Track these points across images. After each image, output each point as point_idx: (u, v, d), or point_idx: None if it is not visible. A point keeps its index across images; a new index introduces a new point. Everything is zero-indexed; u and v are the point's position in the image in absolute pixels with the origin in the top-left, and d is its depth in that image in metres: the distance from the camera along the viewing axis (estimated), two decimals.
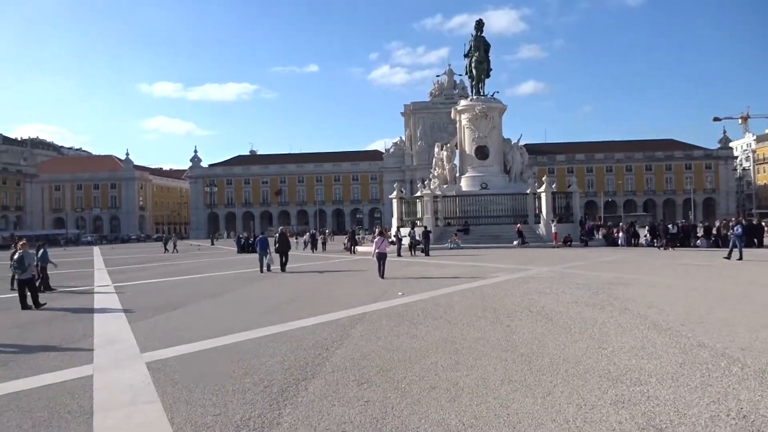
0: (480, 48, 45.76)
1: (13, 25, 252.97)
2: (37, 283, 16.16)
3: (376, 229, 30.57)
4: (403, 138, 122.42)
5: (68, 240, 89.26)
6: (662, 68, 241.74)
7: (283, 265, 24.42)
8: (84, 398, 6.41)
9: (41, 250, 18.55)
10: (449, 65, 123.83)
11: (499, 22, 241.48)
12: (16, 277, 15.08)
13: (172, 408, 5.95)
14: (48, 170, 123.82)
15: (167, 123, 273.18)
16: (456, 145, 48.00)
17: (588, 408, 5.56)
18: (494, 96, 46.60)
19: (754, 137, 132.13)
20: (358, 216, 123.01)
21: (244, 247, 46.53)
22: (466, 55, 47.10)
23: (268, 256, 24.37)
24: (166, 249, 50.46)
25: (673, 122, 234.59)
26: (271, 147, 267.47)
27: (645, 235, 39.04)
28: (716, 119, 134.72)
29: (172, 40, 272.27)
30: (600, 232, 44.26)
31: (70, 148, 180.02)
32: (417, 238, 34.75)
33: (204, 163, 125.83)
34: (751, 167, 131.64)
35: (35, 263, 16.22)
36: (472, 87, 47.33)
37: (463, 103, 46.69)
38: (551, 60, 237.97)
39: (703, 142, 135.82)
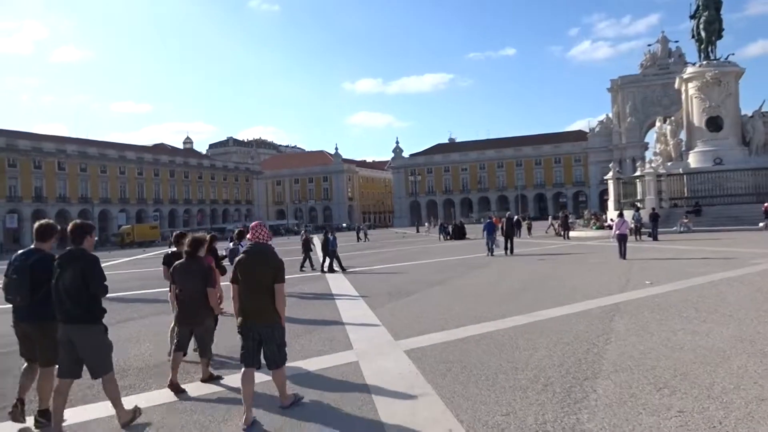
0: (710, 6, 40.35)
1: (234, 39, 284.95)
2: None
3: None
4: (610, 115, 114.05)
5: (288, 230, 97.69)
6: None
7: (509, 249, 25.14)
8: (359, 385, 6.32)
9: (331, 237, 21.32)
10: (662, 32, 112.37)
11: None
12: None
13: (452, 402, 5.55)
14: (269, 167, 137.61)
15: (368, 117, 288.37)
16: (681, 118, 43.01)
17: None
18: (728, 59, 40.89)
19: None
20: (561, 200, 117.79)
21: (448, 234, 46.89)
22: (692, 17, 41.93)
23: (495, 240, 25.20)
24: (358, 238, 52.61)
25: None
26: (468, 134, 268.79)
27: None
28: None
29: (371, 38, 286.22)
30: None
31: (287, 146, 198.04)
32: (642, 221, 31.72)
33: (404, 154, 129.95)
34: None
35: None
36: (699, 51, 41.96)
37: (690, 69, 41.66)
38: None
39: None
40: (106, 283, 5.34)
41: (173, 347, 6.86)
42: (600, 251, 25.19)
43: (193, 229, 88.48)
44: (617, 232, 21.47)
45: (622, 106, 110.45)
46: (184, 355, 6.86)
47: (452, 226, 49.95)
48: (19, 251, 5.71)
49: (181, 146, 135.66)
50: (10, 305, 5.56)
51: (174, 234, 9.22)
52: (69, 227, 5.38)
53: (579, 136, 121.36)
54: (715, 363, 6.43)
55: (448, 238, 46.29)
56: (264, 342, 5.42)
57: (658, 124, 44.18)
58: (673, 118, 43.41)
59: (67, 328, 5.14)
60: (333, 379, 6.68)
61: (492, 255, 24.54)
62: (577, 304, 10.91)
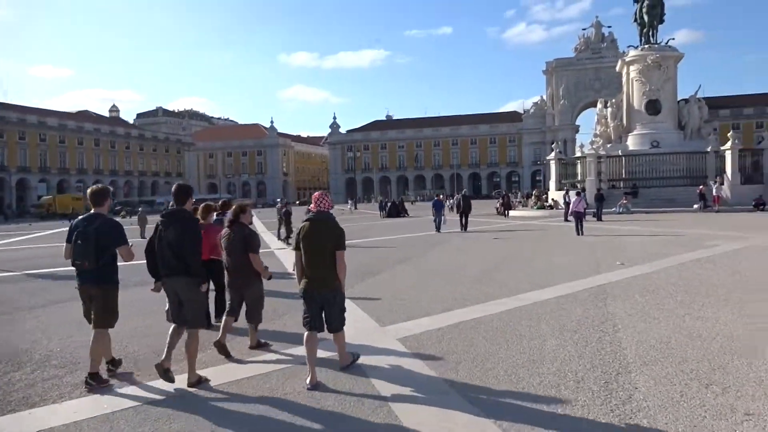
0: None
1: (164, 5, 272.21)
2: None
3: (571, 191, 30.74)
4: (544, 97, 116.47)
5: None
6: None
7: (464, 226, 25.66)
8: (367, 385, 5.46)
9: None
10: (596, 17, 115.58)
11: None
12: None
13: (479, 403, 4.79)
14: (201, 139, 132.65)
15: (304, 92, 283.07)
16: (622, 101, 43.79)
17: None
18: (669, 43, 41.83)
19: None
20: (495, 179, 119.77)
21: (389, 212, 46.30)
22: (635, 1, 42.52)
23: (443, 217, 26.17)
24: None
25: None
26: (405, 112, 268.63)
27: None
28: None
29: (308, 10, 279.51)
30: None
31: (219, 119, 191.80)
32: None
33: (342, 130, 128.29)
34: None
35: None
36: (641, 35, 42.66)
37: (632, 53, 42.33)
38: (712, 5, 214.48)
39: None
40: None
41: (226, 312, 6.90)
42: (551, 229, 25.38)
43: (121, 201, 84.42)
44: (574, 209, 22.47)
45: (555, 88, 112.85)
46: (235, 320, 6.87)
47: (391, 203, 49.57)
48: (80, 216, 5.89)
49: (107, 114, 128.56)
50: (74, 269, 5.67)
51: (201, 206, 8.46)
52: (173, 189, 5.79)
53: (514, 117, 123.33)
54: (744, 353, 5.94)
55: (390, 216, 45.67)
56: (326, 306, 5.62)
57: (599, 106, 44.86)
58: (614, 100, 44.16)
59: (171, 281, 5.57)
60: (332, 376, 5.75)
61: (439, 232, 24.92)
62: (559, 286, 10.40)
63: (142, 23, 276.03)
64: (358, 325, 7.87)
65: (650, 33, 42.29)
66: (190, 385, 5.47)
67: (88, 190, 5.84)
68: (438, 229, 25.43)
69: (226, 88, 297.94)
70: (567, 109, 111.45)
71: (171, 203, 6.30)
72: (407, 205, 55.29)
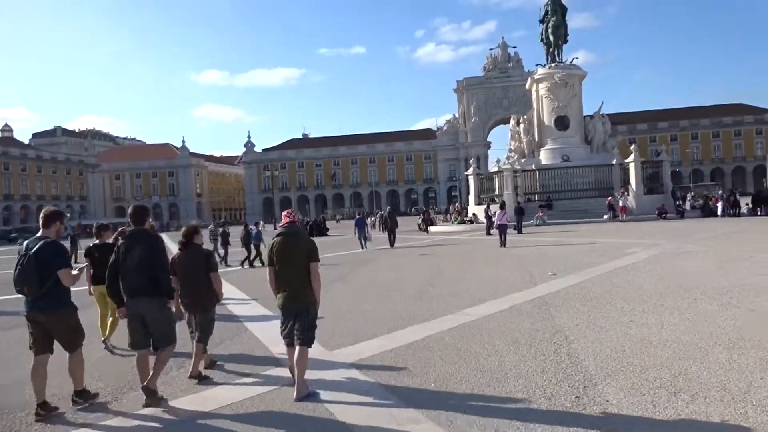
0: (557, 12, 43.04)
1: (62, 21, 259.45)
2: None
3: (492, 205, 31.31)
4: (456, 115, 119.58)
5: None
6: (722, 29, 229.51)
7: (392, 242, 25.84)
8: (322, 411, 5.08)
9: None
10: (503, 38, 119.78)
11: None
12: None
13: (456, 429, 4.54)
14: (107, 160, 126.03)
15: (216, 110, 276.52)
16: (533, 117, 45.50)
17: None
18: (573, 62, 43.98)
19: None
20: (412, 196, 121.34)
21: (310, 231, 45.72)
22: (541, 21, 44.50)
23: (367, 235, 26.14)
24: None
25: (741, 86, 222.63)
26: (321, 130, 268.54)
27: (747, 204, 36.21)
28: None
29: (217, 28, 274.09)
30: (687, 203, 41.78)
31: (125, 138, 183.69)
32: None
33: (257, 149, 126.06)
34: None
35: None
36: (547, 54, 44.65)
37: (540, 71, 44.18)
38: (604, 29, 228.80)
39: None
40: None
41: (194, 339, 6.60)
42: (476, 243, 25.80)
43: (18, 227, 78.57)
44: (498, 222, 23.43)
45: (467, 106, 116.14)
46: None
47: (312, 222, 49.15)
48: (26, 240, 5.61)
49: None
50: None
51: (96, 225, 8.77)
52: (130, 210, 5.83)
53: (428, 134, 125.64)
54: (700, 359, 6.04)
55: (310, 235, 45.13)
56: (298, 319, 5.66)
57: (512, 122, 46.40)
58: (525, 116, 45.82)
59: (135, 302, 5.47)
60: (289, 414, 5.31)
61: (365, 249, 24.93)
62: (500, 300, 10.41)
63: (35, 39, 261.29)
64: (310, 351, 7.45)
65: (556, 52, 44.31)
66: (144, 389, 5.50)
67: (42, 212, 5.69)
68: (363, 246, 25.36)
69: (133, 107, 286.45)
70: (478, 126, 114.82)
71: (128, 225, 6.15)
72: (332, 223, 54.99)
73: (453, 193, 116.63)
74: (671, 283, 10.94)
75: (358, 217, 30.69)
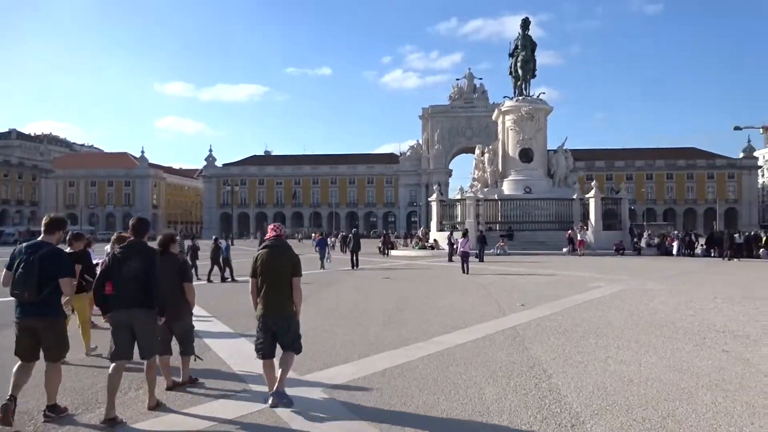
0: (527, 47, 43.96)
1: (28, 23, 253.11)
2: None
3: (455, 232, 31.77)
4: (420, 141, 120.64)
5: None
6: (681, 76, 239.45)
7: (355, 264, 25.81)
8: None
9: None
10: (469, 69, 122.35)
11: (515, 27, 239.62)
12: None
13: None
14: (62, 166, 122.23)
15: (178, 122, 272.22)
16: (498, 148, 46.03)
17: None
18: (540, 97, 44.83)
19: None
20: (372, 219, 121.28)
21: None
22: (510, 55, 45.36)
23: (327, 255, 26.42)
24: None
25: (695, 131, 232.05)
26: (284, 148, 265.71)
27: (701, 245, 37.24)
28: (737, 128, 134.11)
29: (185, 41, 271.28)
30: (643, 240, 42.78)
31: (83, 145, 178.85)
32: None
33: (218, 163, 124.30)
34: None
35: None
36: (515, 87, 45.43)
37: (508, 103, 44.86)
38: (567, 67, 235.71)
39: (725, 151, 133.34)
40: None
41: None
42: (438, 269, 25.70)
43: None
44: (461, 249, 23.91)
45: (431, 133, 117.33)
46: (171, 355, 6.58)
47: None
48: (24, 243, 5.58)
49: None
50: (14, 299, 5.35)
51: (70, 234, 8.49)
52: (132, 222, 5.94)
53: (391, 158, 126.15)
54: (686, 400, 5.89)
55: None
56: (280, 333, 5.75)
57: (477, 152, 46.85)
58: (491, 147, 46.33)
59: (129, 313, 5.46)
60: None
61: (324, 269, 24.92)
62: (471, 329, 10.18)
63: None
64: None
65: (523, 86, 45.14)
66: (150, 408, 5.60)
67: (44, 218, 5.69)
68: (323, 266, 25.19)
69: (93, 114, 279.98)
70: (441, 153, 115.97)
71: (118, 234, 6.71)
72: (292, 241, 54.17)
73: (413, 219, 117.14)
74: (641, 320, 10.91)
75: (319, 237, 30.60)
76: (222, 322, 10.95)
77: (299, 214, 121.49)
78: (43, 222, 5.61)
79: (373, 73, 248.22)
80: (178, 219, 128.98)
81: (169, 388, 6.32)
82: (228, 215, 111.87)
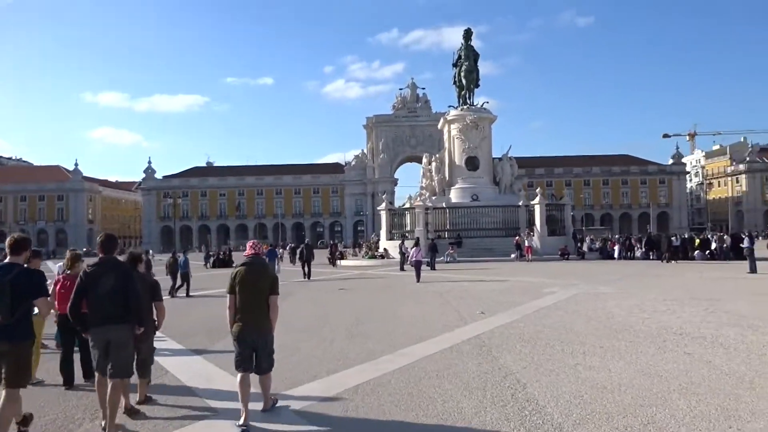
0: (470, 57, 44.74)
1: None
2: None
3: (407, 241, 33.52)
4: (365, 151, 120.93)
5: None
6: (612, 86, 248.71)
7: (307, 275, 25.62)
8: None
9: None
10: (412, 79, 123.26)
11: (454, 38, 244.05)
12: None
13: None
14: None
15: (113, 134, 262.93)
16: (445, 157, 46.53)
17: None
18: (484, 106, 45.62)
19: (704, 153, 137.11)
20: (318, 230, 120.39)
21: (215, 263, 43.98)
22: (454, 65, 46.02)
23: (277, 267, 26.32)
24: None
25: (627, 138, 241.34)
26: (225, 159, 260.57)
27: (640, 248, 38.55)
28: (666, 136, 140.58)
29: (118, 50, 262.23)
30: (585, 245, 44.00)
31: (10, 158, 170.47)
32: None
33: (157, 175, 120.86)
34: (700, 183, 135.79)
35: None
36: (459, 97, 46.10)
37: (453, 112, 45.45)
38: (505, 77, 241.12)
39: (657, 158, 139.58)
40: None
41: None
42: (391, 278, 25.68)
43: None
44: (414, 258, 24.39)
45: (375, 142, 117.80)
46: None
47: (216, 254, 47.83)
48: None
49: None
50: None
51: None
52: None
53: (336, 168, 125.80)
54: (662, 405, 5.94)
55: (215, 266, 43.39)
56: (258, 349, 5.88)
57: (424, 161, 47.22)
58: (438, 155, 46.79)
59: (105, 329, 5.49)
60: None
61: None
62: (437, 339, 10.10)
63: None
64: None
65: (467, 95, 45.86)
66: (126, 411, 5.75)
67: (8, 239, 5.54)
68: None
69: (20, 126, 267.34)
70: (386, 162, 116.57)
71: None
72: (239, 254, 53.16)
73: (359, 228, 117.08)
74: (600, 325, 11.08)
75: (269, 248, 30.15)
76: (176, 342, 10.49)
77: (244, 226, 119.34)
78: (8, 243, 5.46)
79: (315, 83, 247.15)
80: (116, 234, 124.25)
81: (126, 411, 6.05)
82: (169, 229, 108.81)
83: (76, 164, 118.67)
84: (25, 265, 5.52)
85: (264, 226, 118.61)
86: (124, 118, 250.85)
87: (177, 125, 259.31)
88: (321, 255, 44.53)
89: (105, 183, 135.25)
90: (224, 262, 43.04)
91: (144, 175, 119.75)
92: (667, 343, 9.05)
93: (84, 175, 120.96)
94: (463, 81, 44.96)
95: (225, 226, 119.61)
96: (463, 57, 45.04)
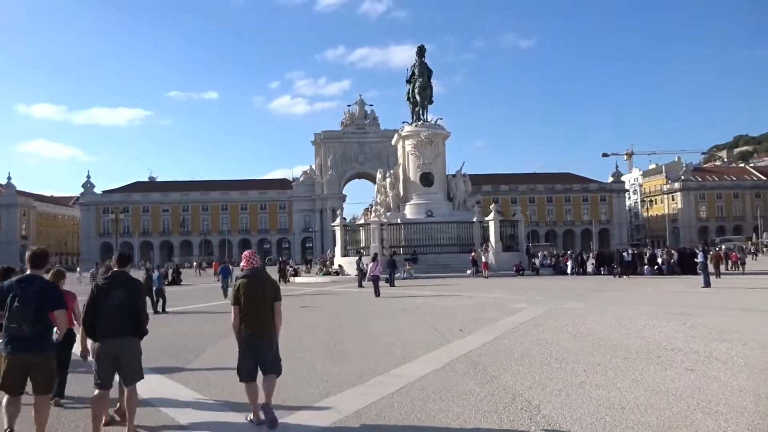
0: (423, 74, 44.90)
1: None
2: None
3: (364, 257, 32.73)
4: (313, 167, 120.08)
5: None
6: (553, 105, 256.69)
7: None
8: None
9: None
10: (360, 95, 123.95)
11: (400, 57, 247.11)
12: None
13: None
14: None
15: (49, 147, 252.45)
16: (399, 173, 46.37)
17: None
18: (437, 122, 45.82)
19: (641, 172, 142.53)
20: (265, 246, 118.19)
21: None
22: (408, 81, 46.10)
23: (231, 284, 23.93)
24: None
25: (569, 157, 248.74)
26: (169, 174, 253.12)
27: (592, 263, 39.26)
28: (605, 155, 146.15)
29: (53, 60, 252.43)
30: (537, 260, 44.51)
31: None
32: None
33: (97, 190, 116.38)
34: (638, 200, 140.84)
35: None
36: (413, 113, 46.12)
37: (407, 129, 45.42)
38: (449, 95, 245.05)
39: (597, 176, 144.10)
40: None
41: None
42: (351, 295, 25.34)
43: None
44: (372, 274, 24.58)
45: (324, 159, 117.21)
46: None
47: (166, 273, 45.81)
48: (14, 278, 5.61)
49: None
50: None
51: (2, 268, 7.68)
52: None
53: (284, 184, 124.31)
54: (690, 426, 5.66)
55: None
56: (262, 353, 6.11)
57: (378, 176, 46.94)
58: (392, 171, 46.61)
59: (115, 342, 5.63)
60: None
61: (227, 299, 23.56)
62: (424, 358, 9.67)
63: None
64: (224, 428, 6.14)
65: (421, 112, 45.94)
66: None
67: (28, 252, 5.74)
68: (226, 295, 23.66)
69: None
70: (335, 179, 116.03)
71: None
72: (189, 272, 51.54)
73: (308, 245, 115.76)
74: (587, 341, 10.87)
75: (223, 265, 29.22)
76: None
77: (188, 243, 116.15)
78: (28, 256, 5.64)
79: (261, 99, 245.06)
80: (51, 251, 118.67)
81: (107, 424, 6.08)
82: (109, 245, 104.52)
83: (9, 178, 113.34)
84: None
85: (209, 243, 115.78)
86: (60, 131, 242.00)
87: (118, 139, 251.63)
88: (271, 272, 43.53)
89: (40, 198, 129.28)
90: (173, 278, 41.25)
91: (82, 190, 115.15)
92: (663, 360, 8.88)
93: (17, 189, 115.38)
94: (417, 97, 45.05)
95: (168, 242, 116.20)
96: (416, 73, 45.16)
